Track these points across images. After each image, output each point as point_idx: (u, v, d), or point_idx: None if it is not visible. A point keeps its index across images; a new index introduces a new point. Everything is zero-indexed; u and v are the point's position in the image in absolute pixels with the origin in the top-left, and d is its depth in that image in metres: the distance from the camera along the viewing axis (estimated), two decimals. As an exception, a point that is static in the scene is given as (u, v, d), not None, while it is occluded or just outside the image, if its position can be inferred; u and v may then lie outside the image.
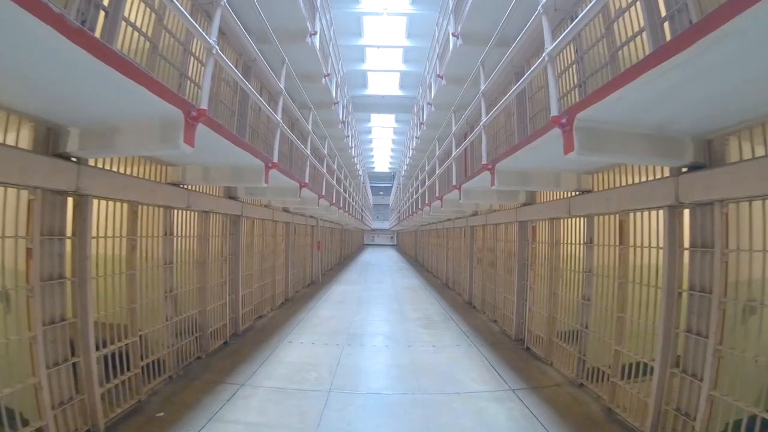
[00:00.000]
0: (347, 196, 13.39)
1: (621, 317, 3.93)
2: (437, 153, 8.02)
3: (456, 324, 7.59)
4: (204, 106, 2.66)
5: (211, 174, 4.49)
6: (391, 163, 42.07)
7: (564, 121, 2.60)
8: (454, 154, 6.11)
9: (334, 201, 9.23)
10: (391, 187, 40.32)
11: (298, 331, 7.05)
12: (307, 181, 5.86)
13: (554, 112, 2.76)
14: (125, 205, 4.03)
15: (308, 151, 6.37)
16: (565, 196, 4.91)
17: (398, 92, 20.94)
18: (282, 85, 4.78)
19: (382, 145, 34.90)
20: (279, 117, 4.58)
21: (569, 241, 5.03)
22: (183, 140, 2.53)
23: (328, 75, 8.48)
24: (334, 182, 10.36)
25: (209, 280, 5.67)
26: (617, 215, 3.98)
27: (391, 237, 49.93)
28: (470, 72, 5.18)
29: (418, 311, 8.81)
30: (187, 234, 5.21)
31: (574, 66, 4.50)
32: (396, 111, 23.50)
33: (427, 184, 9.29)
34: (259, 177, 4.18)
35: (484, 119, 4.38)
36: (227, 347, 6.01)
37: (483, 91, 4.46)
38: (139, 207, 4.17)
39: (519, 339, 6.32)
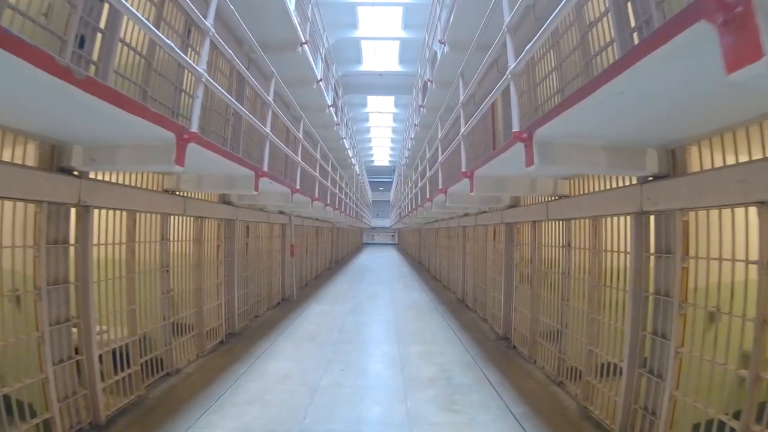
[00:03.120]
0: (336, 189, 11.91)
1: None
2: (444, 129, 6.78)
3: (494, 390, 4.79)
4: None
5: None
6: (391, 156, 41.82)
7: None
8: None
9: (316, 196, 8.28)
10: (392, 182, 40.28)
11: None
12: (266, 169, 4.97)
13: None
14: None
15: (267, 129, 5.23)
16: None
17: (398, 68, 19.33)
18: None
19: (381, 134, 33.67)
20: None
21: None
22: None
23: (306, 42, 7.63)
24: (316, 173, 8.62)
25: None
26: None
27: (392, 235, 49.76)
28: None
29: (430, 360, 5.80)
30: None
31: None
32: (396, 92, 21.87)
33: (439, 159, 6.80)
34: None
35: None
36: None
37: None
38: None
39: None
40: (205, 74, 3.22)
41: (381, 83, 21.03)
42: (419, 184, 10.21)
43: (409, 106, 17.70)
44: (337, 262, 23.22)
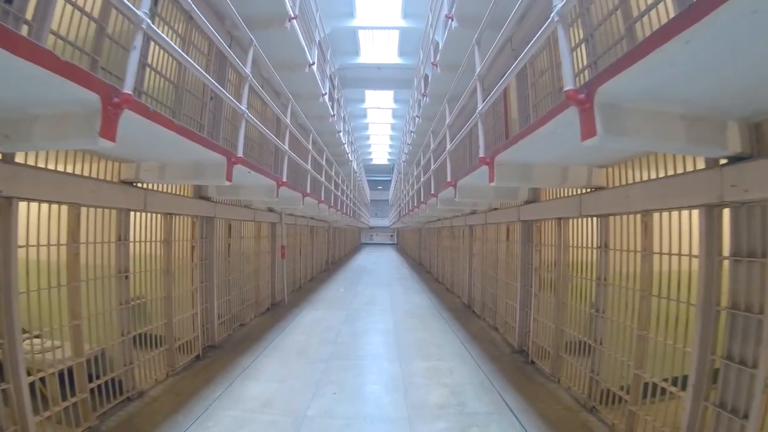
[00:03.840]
0: (331, 186, 11.20)
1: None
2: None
3: (516, 419, 4.09)
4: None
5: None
6: (390, 154, 41.11)
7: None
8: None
9: (308, 191, 7.28)
10: (390, 180, 39.50)
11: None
12: (240, 154, 4.05)
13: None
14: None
15: (243, 106, 4.32)
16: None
17: (397, 60, 18.48)
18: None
19: (380, 131, 33.10)
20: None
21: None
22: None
23: (295, 17, 6.91)
24: (308, 165, 7.54)
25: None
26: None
27: (391, 235, 49.12)
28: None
29: (438, 380, 5.00)
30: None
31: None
32: (395, 86, 21.06)
33: (447, 148, 5.84)
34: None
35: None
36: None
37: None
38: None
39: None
40: (147, 20, 2.41)
41: (380, 77, 20.44)
42: (422, 180, 9.41)
43: (409, 98, 16.86)
44: (334, 263, 22.39)
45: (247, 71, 4.18)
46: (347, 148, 17.17)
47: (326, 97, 10.16)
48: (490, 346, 6.50)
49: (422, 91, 10.13)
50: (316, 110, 10.40)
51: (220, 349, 6.31)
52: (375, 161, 45.46)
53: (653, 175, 3.51)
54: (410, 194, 13.66)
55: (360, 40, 17.84)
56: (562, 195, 4.94)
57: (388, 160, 43.57)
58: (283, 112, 5.97)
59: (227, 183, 3.80)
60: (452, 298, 11.03)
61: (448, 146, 5.64)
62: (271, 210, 9.12)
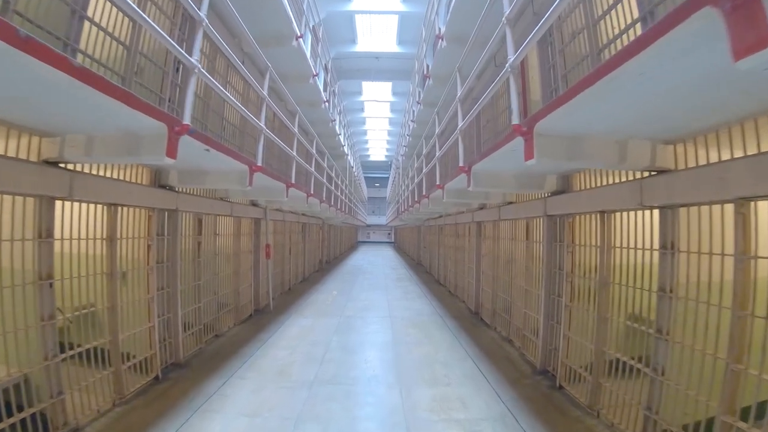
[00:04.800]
0: (323, 178, 10.19)
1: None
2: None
3: None
4: None
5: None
6: (387, 151, 40.12)
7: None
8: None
9: (292, 181, 6.38)
10: (388, 177, 38.53)
11: None
12: (187, 122, 3.14)
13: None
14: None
15: (194, 60, 3.29)
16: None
17: (396, 49, 17.61)
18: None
19: (377, 126, 32.22)
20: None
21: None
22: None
23: None
24: (293, 151, 6.65)
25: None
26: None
27: (388, 233, 48.31)
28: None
29: (449, 414, 4.06)
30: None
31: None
32: (393, 77, 20.13)
33: (460, 125, 4.98)
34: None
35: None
36: None
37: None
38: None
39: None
40: None
41: (377, 67, 19.57)
42: (424, 171, 8.42)
43: (409, 88, 15.85)
44: (329, 263, 21.39)
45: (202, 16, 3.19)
46: (342, 140, 16.10)
47: (319, 81, 9.12)
48: (506, 364, 5.52)
49: (425, 72, 9.09)
50: (307, 94, 9.35)
51: (186, 368, 5.33)
52: (372, 158, 44.65)
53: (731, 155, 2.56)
54: (410, 188, 12.68)
55: (357, 27, 16.92)
56: (606, 182, 3.98)
57: (386, 156, 42.72)
58: (262, 84, 5.01)
59: (168, 161, 2.81)
60: (456, 304, 10.03)
61: (460, 123, 4.66)
62: (254, 204, 8.13)
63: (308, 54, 8.33)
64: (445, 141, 6.34)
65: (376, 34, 17.42)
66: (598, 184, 4.10)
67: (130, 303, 4.56)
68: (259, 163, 4.47)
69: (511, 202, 6.32)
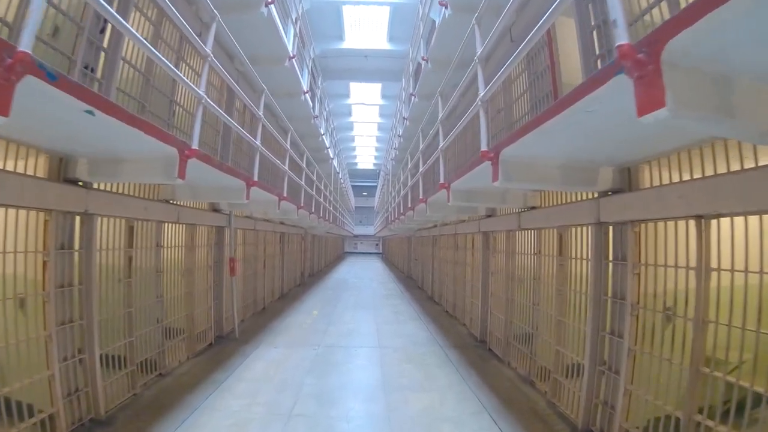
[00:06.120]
0: (301, 180, 8.63)
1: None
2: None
3: None
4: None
5: None
6: (376, 158, 38.89)
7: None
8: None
9: (255, 179, 5.11)
10: (376, 186, 37.35)
11: None
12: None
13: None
14: None
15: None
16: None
17: (386, 46, 16.43)
18: None
19: (365, 131, 31.04)
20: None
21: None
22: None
23: None
24: (257, 140, 5.46)
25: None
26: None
27: (376, 244, 47.01)
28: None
29: None
30: None
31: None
32: (383, 78, 18.96)
33: (481, 95, 3.91)
34: None
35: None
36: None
37: None
38: None
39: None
40: None
41: (366, 67, 18.36)
42: (420, 170, 7.09)
43: (401, 84, 14.61)
44: (312, 276, 19.86)
45: None
46: (326, 141, 14.75)
47: (294, 62, 7.74)
48: (534, 421, 4.16)
49: (424, 55, 7.79)
50: (283, 82, 8.02)
51: (108, 427, 3.95)
52: (360, 166, 43.47)
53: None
54: (402, 194, 11.37)
55: (344, 20, 15.65)
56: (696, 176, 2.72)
57: (374, 165, 41.60)
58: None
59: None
60: (456, 327, 8.65)
61: (482, 93, 3.38)
62: (215, 209, 6.76)
63: (287, 36, 7.03)
64: (455, 122, 5.08)
65: (365, 28, 16.18)
66: (687, 179, 2.84)
67: (19, 343, 3.19)
68: (195, 145, 3.12)
69: (533, 207, 5.06)
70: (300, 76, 8.23)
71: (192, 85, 3.42)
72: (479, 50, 3.61)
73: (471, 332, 8.01)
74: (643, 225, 3.31)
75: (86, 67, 3.42)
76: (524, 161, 3.18)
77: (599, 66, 3.28)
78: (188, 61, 5.15)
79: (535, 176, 3.24)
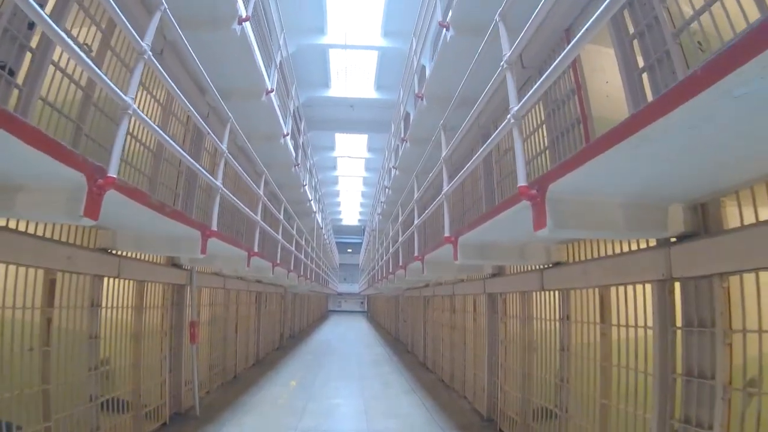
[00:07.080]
0: (278, 234, 7.67)
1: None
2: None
3: None
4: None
5: None
6: (361, 214, 38.30)
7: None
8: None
9: (214, 229, 4.21)
10: (361, 243, 36.54)
11: None
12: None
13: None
14: None
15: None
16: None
17: (373, 94, 16.21)
18: None
19: (351, 186, 30.78)
20: None
21: None
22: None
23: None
24: (218, 182, 4.48)
25: None
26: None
27: (361, 302, 45.67)
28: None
29: None
30: None
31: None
32: (370, 130, 18.85)
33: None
34: None
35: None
36: None
37: None
38: None
39: None
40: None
41: (353, 117, 18.08)
42: (416, 222, 6.23)
43: (387, 140, 14.05)
44: (293, 337, 18.44)
45: None
46: (309, 193, 13.95)
47: (276, 100, 7.01)
48: None
49: (419, 91, 7.14)
50: (260, 121, 7.25)
51: None
52: (345, 221, 42.90)
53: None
54: (391, 250, 10.47)
55: (330, 66, 15.35)
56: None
57: (359, 220, 41.09)
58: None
59: None
60: (456, 402, 7.47)
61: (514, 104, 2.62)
62: (174, 264, 5.77)
63: (269, 75, 6.37)
64: (460, 163, 4.35)
65: (352, 75, 15.89)
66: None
67: None
68: (113, 173, 2.20)
69: (558, 263, 4.21)
70: (279, 115, 7.48)
71: (128, 100, 2.58)
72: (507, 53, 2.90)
73: (475, 408, 6.86)
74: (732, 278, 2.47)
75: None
76: (581, 199, 2.40)
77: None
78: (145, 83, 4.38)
79: (595, 220, 2.43)
